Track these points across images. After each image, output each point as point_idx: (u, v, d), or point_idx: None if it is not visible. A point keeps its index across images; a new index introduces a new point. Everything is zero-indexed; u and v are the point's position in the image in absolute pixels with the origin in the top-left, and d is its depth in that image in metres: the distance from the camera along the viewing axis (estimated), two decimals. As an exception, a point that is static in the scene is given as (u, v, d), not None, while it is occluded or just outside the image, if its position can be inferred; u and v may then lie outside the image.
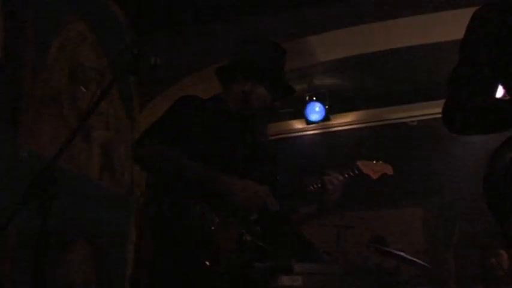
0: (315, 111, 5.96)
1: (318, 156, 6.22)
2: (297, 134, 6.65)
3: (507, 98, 2.10)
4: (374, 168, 2.66)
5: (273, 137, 6.27)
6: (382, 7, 4.63)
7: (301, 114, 6.07)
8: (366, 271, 5.13)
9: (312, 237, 4.47)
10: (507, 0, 2.26)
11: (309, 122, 6.06)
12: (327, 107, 5.93)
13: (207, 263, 2.20)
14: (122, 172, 4.47)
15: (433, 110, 5.95)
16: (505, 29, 2.16)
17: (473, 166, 5.78)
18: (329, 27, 4.84)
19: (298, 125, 6.54)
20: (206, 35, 4.90)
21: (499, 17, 2.22)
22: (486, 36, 2.19)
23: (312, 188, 2.53)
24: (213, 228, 2.24)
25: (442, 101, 2.12)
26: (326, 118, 6.00)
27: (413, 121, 6.26)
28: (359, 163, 2.63)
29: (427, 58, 5.40)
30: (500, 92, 2.20)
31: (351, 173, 2.59)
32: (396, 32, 4.78)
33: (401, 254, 4.54)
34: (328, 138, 6.49)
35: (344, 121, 6.47)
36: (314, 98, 5.95)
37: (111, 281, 4.26)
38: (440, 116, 2.13)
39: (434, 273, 5.27)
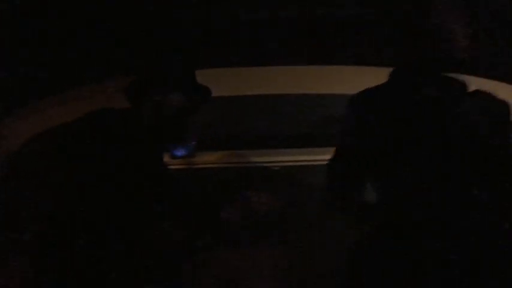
0: (181, 146, 5.87)
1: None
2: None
3: None
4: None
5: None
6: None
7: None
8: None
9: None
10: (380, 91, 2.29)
11: (173, 157, 5.94)
12: (193, 143, 5.86)
13: None
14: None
15: (297, 157, 6.09)
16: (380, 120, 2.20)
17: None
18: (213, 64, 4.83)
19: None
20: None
21: (373, 106, 2.24)
22: (360, 127, 2.20)
23: None
24: None
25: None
26: (191, 155, 5.93)
27: (276, 166, 6.34)
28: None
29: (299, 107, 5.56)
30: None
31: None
32: (277, 78, 4.86)
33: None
34: (192, 175, 6.39)
35: (210, 159, 6.40)
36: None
37: None
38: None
39: None
